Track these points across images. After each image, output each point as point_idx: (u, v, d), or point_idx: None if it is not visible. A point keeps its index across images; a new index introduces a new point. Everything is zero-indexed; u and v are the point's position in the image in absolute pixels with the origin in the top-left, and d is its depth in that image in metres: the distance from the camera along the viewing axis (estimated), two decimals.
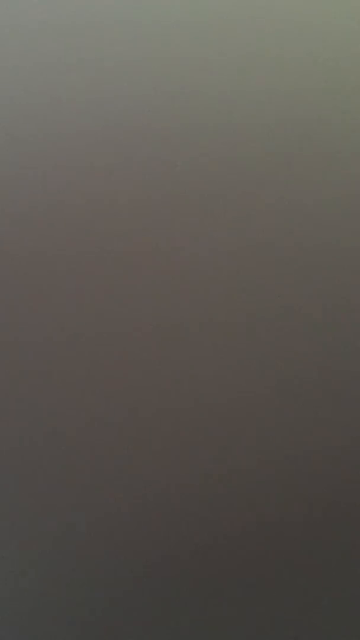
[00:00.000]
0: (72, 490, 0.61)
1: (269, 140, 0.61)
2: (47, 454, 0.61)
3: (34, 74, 0.61)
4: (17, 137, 0.60)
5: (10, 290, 0.60)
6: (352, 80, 0.62)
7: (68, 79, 0.61)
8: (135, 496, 0.61)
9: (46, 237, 0.61)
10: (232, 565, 0.62)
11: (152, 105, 0.61)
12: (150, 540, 0.61)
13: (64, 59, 0.61)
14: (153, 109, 0.61)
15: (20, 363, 0.60)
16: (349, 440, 0.62)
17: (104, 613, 0.62)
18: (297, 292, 0.61)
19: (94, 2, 0.61)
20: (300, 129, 0.61)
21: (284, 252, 0.61)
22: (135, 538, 0.61)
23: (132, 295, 0.61)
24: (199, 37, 0.61)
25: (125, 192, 0.61)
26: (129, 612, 0.62)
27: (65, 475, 0.61)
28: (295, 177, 0.61)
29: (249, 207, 0.61)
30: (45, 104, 0.61)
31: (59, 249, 0.61)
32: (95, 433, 0.61)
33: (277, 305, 0.61)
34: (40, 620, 0.62)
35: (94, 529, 0.61)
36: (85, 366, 0.61)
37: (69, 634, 0.62)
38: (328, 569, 0.62)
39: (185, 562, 0.62)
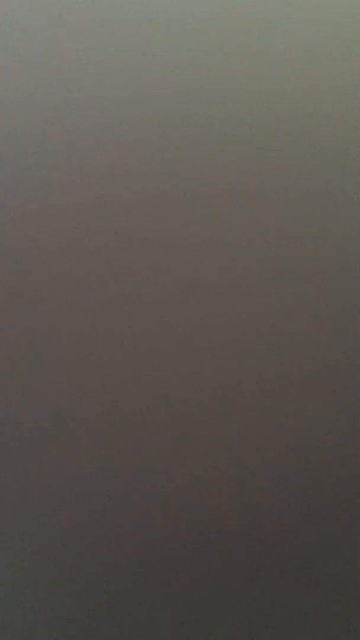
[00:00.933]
0: (72, 489, 0.61)
1: (270, 140, 0.61)
2: (47, 452, 0.61)
3: (34, 73, 0.61)
4: (17, 137, 0.61)
5: (9, 289, 0.60)
6: (352, 79, 0.62)
7: (68, 79, 0.61)
8: (135, 495, 0.61)
9: (46, 237, 0.61)
10: (232, 565, 0.62)
11: (152, 105, 0.61)
12: (149, 539, 0.61)
13: (64, 58, 0.61)
14: (153, 108, 0.61)
15: (19, 362, 0.60)
16: (350, 440, 0.62)
17: (103, 614, 0.62)
18: (297, 292, 0.62)
19: (94, 2, 0.61)
20: (301, 129, 0.62)
21: (285, 252, 0.62)
22: (134, 537, 0.61)
23: (132, 295, 0.61)
24: (199, 36, 0.61)
25: (125, 192, 0.61)
26: (129, 612, 0.62)
27: (65, 473, 0.61)
28: (296, 177, 0.62)
29: (249, 207, 0.61)
30: (45, 103, 0.61)
31: (58, 248, 0.61)
32: (95, 432, 0.61)
33: (278, 305, 0.61)
34: (39, 619, 0.62)
35: (92, 529, 0.61)
36: (85, 365, 0.61)
37: (68, 634, 0.62)
38: (328, 568, 0.62)
39: (185, 562, 0.62)
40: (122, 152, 0.61)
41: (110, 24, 0.61)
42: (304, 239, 0.62)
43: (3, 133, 0.60)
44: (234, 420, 0.61)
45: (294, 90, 0.62)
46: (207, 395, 0.61)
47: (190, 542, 0.62)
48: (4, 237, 0.60)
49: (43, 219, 0.60)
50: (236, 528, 0.62)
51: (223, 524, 0.62)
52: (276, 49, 0.61)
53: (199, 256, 0.61)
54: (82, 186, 0.61)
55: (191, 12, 0.61)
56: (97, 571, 0.61)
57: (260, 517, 0.62)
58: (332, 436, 0.62)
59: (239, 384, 0.61)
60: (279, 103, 0.61)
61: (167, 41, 0.61)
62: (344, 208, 0.62)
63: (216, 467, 0.61)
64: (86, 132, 0.61)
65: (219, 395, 0.61)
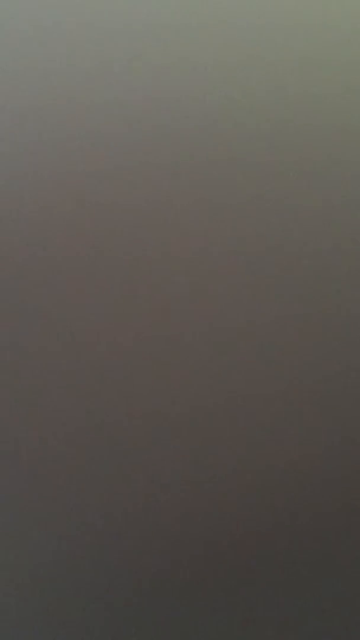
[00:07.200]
0: (72, 493, 0.61)
1: (270, 143, 0.61)
2: (47, 458, 0.61)
3: (35, 75, 0.61)
4: (18, 140, 0.60)
5: (9, 294, 0.60)
6: (353, 83, 0.62)
7: (69, 81, 0.61)
8: (135, 501, 0.61)
9: (46, 241, 0.61)
10: (232, 570, 0.62)
11: (153, 108, 0.61)
12: (149, 544, 0.61)
13: (65, 61, 0.61)
14: (153, 111, 0.61)
15: (19, 368, 0.60)
16: (349, 446, 0.62)
17: (102, 617, 0.62)
18: (297, 297, 0.62)
19: (95, 3, 0.61)
20: (301, 131, 0.61)
21: (285, 257, 0.61)
22: (134, 542, 0.61)
23: (132, 301, 0.61)
24: (199, 40, 0.61)
25: (126, 196, 0.61)
26: (129, 615, 0.62)
27: (65, 480, 0.61)
28: (296, 180, 0.61)
29: (249, 211, 0.61)
30: (45, 105, 0.60)
31: (58, 253, 0.61)
32: (95, 438, 0.61)
33: (278, 310, 0.61)
34: (39, 623, 0.62)
35: (92, 535, 0.61)
36: (85, 371, 0.61)
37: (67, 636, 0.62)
38: (328, 570, 0.62)
39: (185, 566, 0.62)
40: (121, 157, 0.61)
41: (110, 27, 0.61)
42: (305, 246, 0.62)
43: (3, 135, 0.60)
44: (234, 428, 0.61)
45: (295, 96, 0.61)
46: (207, 403, 0.61)
47: (189, 552, 0.62)
48: (4, 240, 0.60)
49: (42, 225, 0.60)
50: (236, 540, 0.62)
51: (223, 534, 0.62)
52: (277, 55, 0.61)
53: (200, 265, 0.61)
54: (82, 190, 0.60)
55: (191, 16, 0.61)
56: (96, 574, 0.62)
57: (261, 527, 0.62)
58: (333, 445, 0.62)
59: (240, 393, 0.61)
60: (279, 108, 0.61)
61: (167, 46, 0.61)
62: (345, 214, 0.62)
63: (216, 475, 0.61)
64: (86, 135, 0.61)
65: (219, 403, 0.61)
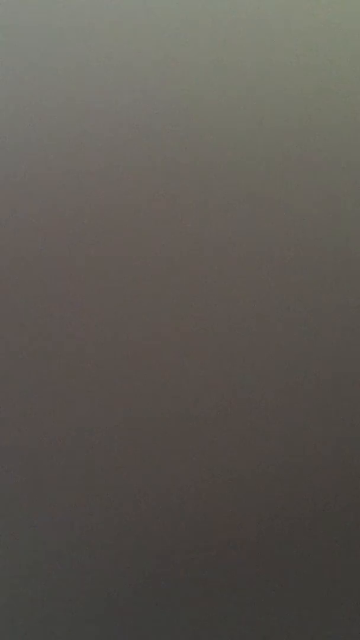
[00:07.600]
0: (73, 496, 0.61)
1: (270, 144, 0.61)
2: (47, 461, 0.61)
3: (35, 77, 0.61)
4: (18, 140, 0.60)
5: (9, 295, 0.60)
6: (352, 83, 0.62)
7: (69, 83, 0.61)
8: (135, 503, 0.61)
9: (46, 242, 0.61)
10: (232, 570, 0.62)
11: (153, 110, 0.61)
12: (149, 546, 0.62)
13: (65, 62, 0.61)
14: (154, 113, 0.61)
15: (20, 369, 0.60)
16: (349, 448, 0.62)
17: (102, 619, 0.62)
18: (297, 298, 0.61)
19: (95, 5, 0.61)
20: (301, 132, 0.61)
21: (285, 257, 0.61)
22: (134, 543, 0.61)
23: (132, 301, 0.61)
24: (200, 41, 0.61)
25: (126, 197, 0.61)
26: (128, 616, 0.62)
27: (66, 481, 0.61)
28: (296, 181, 0.61)
29: (249, 212, 0.61)
30: (45, 107, 0.61)
31: (58, 253, 0.61)
32: (95, 439, 0.61)
33: (278, 311, 0.61)
34: (39, 624, 0.62)
35: (92, 535, 0.61)
36: (85, 371, 0.61)
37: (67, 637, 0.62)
38: (328, 570, 0.62)
39: (184, 567, 0.62)
40: (122, 160, 0.61)
41: (111, 29, 0.61)
42: (305, 247, 0.62)
43: (4, 137, 0.60)
44: (234, 428, 0.61)
45: (294, 97, 0.61)
46: (208, 403, 0.61)
47: (190, 553, 0.62)
48: (5, 243, 0.60)
49: (42, 225, 0.60)
50: (237, 541, 0.62)
51: (223, 536, 0.62)
52: (276, 55, 0.61)
53: (200, 266, 0.61)
54: (83, 193, 0.60)
55: (192, 18, 0.61)
56: (96, 574, 0.62)
57: (262, 527, 0.62)
58: (332, 444, 0.62)
59: (240, 393, 0.61)
60: (279, 110, 0.61)
61: (168, 48, 0.61)
62: (346, 213, 0.62)
63: (216, 476, 0.61)
64: (86, 138, 0.61)
65: (220, 403, 0.61)
